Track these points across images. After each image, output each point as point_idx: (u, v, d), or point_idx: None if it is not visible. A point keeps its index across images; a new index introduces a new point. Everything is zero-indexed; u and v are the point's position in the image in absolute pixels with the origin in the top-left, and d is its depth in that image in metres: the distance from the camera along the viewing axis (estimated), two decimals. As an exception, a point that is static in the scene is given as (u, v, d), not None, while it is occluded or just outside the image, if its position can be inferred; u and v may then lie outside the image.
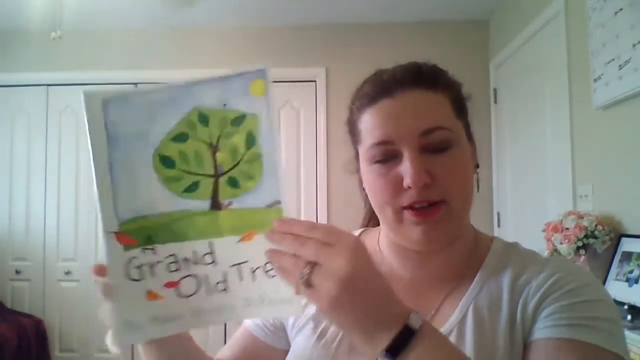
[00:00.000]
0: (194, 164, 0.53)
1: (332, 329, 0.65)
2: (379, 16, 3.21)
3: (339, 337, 0.64)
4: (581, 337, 0.53)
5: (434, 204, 0.59)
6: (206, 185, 0.53)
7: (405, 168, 0.59)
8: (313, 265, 0.47)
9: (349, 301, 0.46)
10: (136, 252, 0.52)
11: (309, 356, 0.65)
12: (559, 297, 0.56)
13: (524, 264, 0.62)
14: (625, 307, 1.54)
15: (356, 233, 0.78)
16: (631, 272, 1.65)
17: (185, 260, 0.54)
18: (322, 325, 0.66)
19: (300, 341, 0.68)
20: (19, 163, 3.36)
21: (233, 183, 0.53)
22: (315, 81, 3.31)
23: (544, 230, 1.98)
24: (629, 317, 1.52)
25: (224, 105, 0.53)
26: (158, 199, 0.53)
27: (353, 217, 0.89)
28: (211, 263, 0.54)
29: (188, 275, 0.54)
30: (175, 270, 0.54)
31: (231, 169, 0.53)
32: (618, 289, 1.66)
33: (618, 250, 1.75)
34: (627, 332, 1.38)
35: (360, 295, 0.46)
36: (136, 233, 0.53)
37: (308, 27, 3.32)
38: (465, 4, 3.05)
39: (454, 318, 0.61)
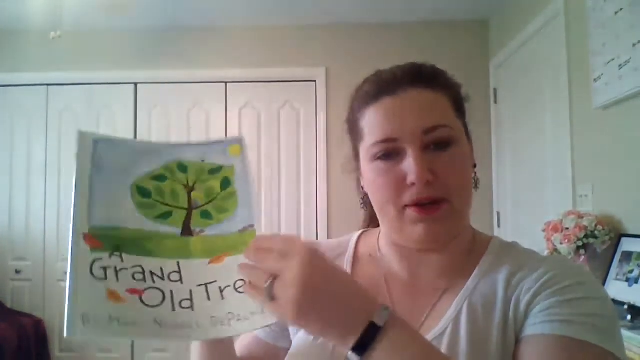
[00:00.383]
0: (169, 198, 0.60)
1: None
2: (379, 16, 3.21)
3: None
4: (573, 334, 0.53)
5: (436, 201, 0.60)
6: (179, 215, 0.59)
7: (409, 165, 0.60)
8: (274, 277, 0.48)
9: (312, 307, 0.47)
10: (102, 255, 0.54)
11: (308, 353, 0.66)
12: (552, 294, 0.57)
13: (521, 262, 0.63)
14: (625, 307, 1.54)
15: (356, 234, 0.78)
16: (631, 272, 1.65)
17: (152, 273, 0.55)
18: None
19: (301, 337, 0.68)
20: (19, 163, 3.36)
21: (206, 215, 0.60)
22: (315, 81, 3.31)
23: (544, 230, 1.98)
24: (629, 317, 1.52)
25: (202, 160, 0.62)
26: (130, 218, 0.57)
27: (353, 217, 0.89)
28: (178, 281, 0.56)
29: (153, 288, 0.54)
30: (141, 280, 0.55)
31: (205, 204, 0.60)
32: (618, 289, 1.66)
33: (618, 250, 1.75)
34: (627, 332, 1.38)
35: (321, 299, 0.47)
36: (105, 239, 0.55)
37: (308, 27, 3.32)
38: (465, 4, 3.05)
39: (449, 315, 0.62)
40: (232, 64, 3.30)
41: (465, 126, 0.67)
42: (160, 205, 0.59)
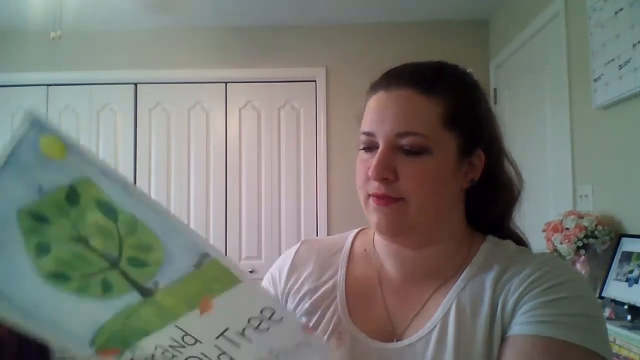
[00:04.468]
0: (82, 265, 0.42)
1: (323, 324, 0.67)
2: (379, 16, 3.21)
3: (329, 332, 0.66)
4: (555, 334, 0.54)
5: (392, 198, 0.62)
6: (115, 278, 0.43)
7: (373, 160, 0.63)
8: None
9: None
10: (127, 355, 0.47)
11: None
12: (537, 294, 0.57)
13: (510, 261, 0.63)
14: (625, 307, 1.54)
15: (354, 232, 0.79)
16: (631, 272, 1.65)
17: (172, 347, 0.47)
18: (314, 321, 0.68)
19: None
20: (19, 163, 3.36)
21: (136, 263, 0.43)
22: (315, 81, 3.30)
23: (544, 230, 1.98)
24: (629, 317, 1.52)
25: (40, 189, 0.39)
26: (91, 311, 0.44)
27: (353, 217, 0.90)
28: (196, 342, 0.47)
29: (190, 357, 0.48)
30: (174, 357, 0.48)
31: (120, 251, 0.42)
32: (618, 289, 1.66)
33: (618, 250, 1.75)
34: (627, 332, 1.38)
35: None
36: (111, 342, 0.46)
37: (308, 27, 3.32)
38: (465, 4, 3.05)
39: (438, 314, 0.62)
40: (232, 64, 3.30)
41: (464, 138, 0.65)
42: (89, 280, 0.43)
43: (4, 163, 0.37)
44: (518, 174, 0.75)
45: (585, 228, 1.78)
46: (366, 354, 0.63)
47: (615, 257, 1.75)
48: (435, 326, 0.61)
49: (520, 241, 0.73)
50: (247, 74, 3.29)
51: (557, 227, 1.88)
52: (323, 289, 0.71)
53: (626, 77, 1.71)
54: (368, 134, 0.65)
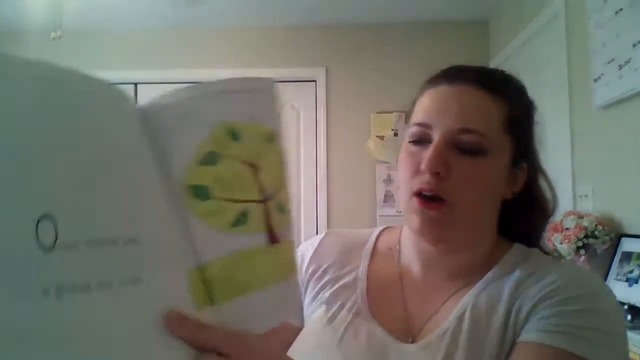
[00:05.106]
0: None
1: (342, 314, 0.67)
2: (379, 16, 3.20)
3: (346, 322, 0.66)
4: (566, 346, 0.52)
5: (438, 200, 0.60)
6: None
7: (427, 152, 0.60)
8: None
9: None
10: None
11: (318, 336, 0.67)
12: (555, 303, 0.56)
13: (535, 268, 0.62)
14: (625, 307, 1.54)
15: (379, 229, 0.79)
16: (631, 272, 1.65)
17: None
18: (333, 310, 0.68)
19: (313, 320, 0.70)
20: (19, 163, 3.36)
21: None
22: (315, 81, 3.30)
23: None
24: (629, 317, 1.52)
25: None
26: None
27: (353, 218, 0.90)
28: None
29: None
30: None
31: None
32: (618, 289, 1.66)
33: (618, 250, 1.75)
34: (627, 332, 1.38)
35: None
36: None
37: (308, 27, 3.32)
38: (465, 4, 3.05)
39: (454, 315, 0.62)
40: (233, 64, 3.30)
41: (517, 148, 0.64)
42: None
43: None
44: (553, 193, 0.73)
45: (585, 228, 1.78)
46: (381, 349, 0.63)
47: (615, 257, 1.75)
48: (450, 326, 0.61)
49: None
50: (247, 74, 3.26)
51: (557, 227, 1.88)
52: (344, 280, 0.71)
53: (626, 77, 1.71)
54: (423, 125, 0.62)
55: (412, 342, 0.63)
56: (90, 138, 0.36)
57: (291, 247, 0.44)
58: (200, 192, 0.40)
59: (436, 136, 0.61)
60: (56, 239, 0.33)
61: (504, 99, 0.62)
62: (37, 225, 0.32)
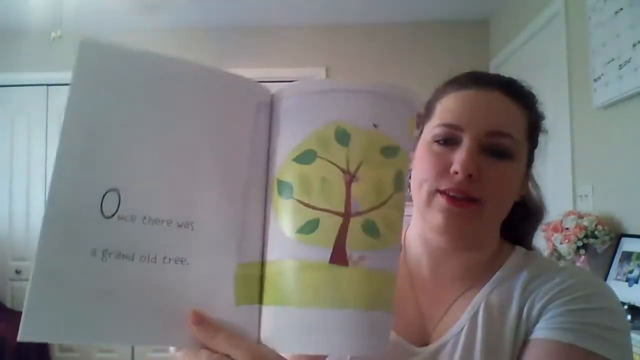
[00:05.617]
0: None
1: None
2: (379, 16, 3.20)
3: None
4: (576, 342, 0.54)
5: (469, 199, 0.60)
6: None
7: (459, 154, 0.59)
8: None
9: None
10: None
11: None
12: (564, 302, 0.57)
13: (540, 269, 0.63)
14: (625, 307, 1.54)
15: None
16: (631, 272, 1.65)
17: None
18: None
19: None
20: (19, 163, 3.36)
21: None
22: (315, 81, 3.30)
23: (544, 230, 1.97)
24: (629, 317, 1.52)
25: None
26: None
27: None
28: None
29: None
30: None
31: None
32: (618, 289, 1.66)
33: (618, 250, 1.75)
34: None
35: None
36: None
37: (308, 27, 3.32)
38: (465, 4, 3.05)
39: (466, 315, 0.62)
40: (233, 63, 3.30)
41: (530, 154, 0.67)
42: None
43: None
44: (541, 199, 0.74)
45: (585, 228, 1.78)
46: (402, 353, 0.63)
47: (615, 257, 1.75)
48: (463, 327, 0.61)
49: None
50: (247, 74, 3.23)
51: (557, 227, 1.88)
52: None
53: (626, 77, 1.71)
54: (452, 126, 0.62)
55: (427, 342, 0.63)
56: (187, 125, 0.39)
57: (368, 278, 0.37)
58: (284, 189, 0.39)
59: (466, 138, 0.60)
60: (117, 210, 0.37)
61: (525, 106, 0.64)
62: (104, 195, 0.37)
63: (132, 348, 3.21)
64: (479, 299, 0.63)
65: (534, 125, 0.66)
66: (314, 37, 3.33)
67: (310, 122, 0.39)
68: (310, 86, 0.41)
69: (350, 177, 0.38)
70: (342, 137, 0.39)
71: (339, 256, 0.37)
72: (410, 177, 0.67)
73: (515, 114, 0.63)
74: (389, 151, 0.39)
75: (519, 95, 0.64)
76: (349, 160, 0.38)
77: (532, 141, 0.66)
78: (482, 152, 0.60)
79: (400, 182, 0.40)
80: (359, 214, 0.38)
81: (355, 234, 0.37)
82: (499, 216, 0.64)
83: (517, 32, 2.73)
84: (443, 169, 0.61)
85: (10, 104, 3.36)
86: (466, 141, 0.60)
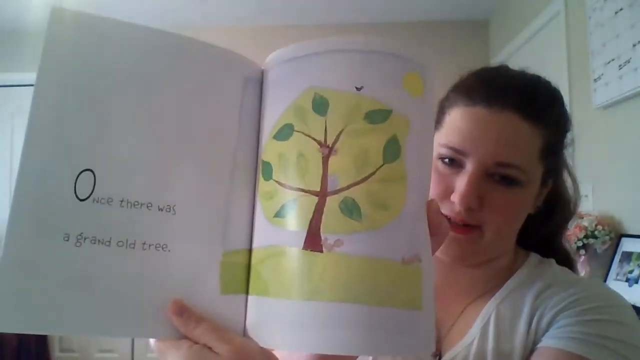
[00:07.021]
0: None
1: None
2: (379, 16, 3.21)
3: None
4: (584, 353, 0.52)
5: (469, 226, 0.59)
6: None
7: (461, 182, 0.57)
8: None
9: None
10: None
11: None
12: (576, 313, 0.56)
13: (554, 279, 0.62)
14: (625, 307, 1.55)
15: None
16: (631, 272, 1.65)
17: None
18: None
19: None
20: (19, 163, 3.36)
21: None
22: (315, 81, 3.30)
23: (544, 230, 1.98)
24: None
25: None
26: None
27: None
28: None
29: None
30: None
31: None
32: (618, 289, 1.65)
33: (618, 250, 1.75)
34: None
35: None
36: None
37: (308, 27, 3.32)
38: (465, 4, 3.05)
39: (477, 324, 0.61)
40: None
41: (550, 168, 0.63)
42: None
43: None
44: (576, 187, 0.70)
45: (585, 228, 1.78)
46: None
47: (615, 257, 1.75)
48: (474, 338, 0.61)
49: (567, 259, 0.70)
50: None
51: (557, 227, 1.88)
52: None
53: (626, 77, 1.71)
54: (457, 151, 0.58)
55: (438, 354, 0.62)
56: (167, 100, 0.36)
57: (347, 266, 0.32)
58: (266, 170, 0.36)
59: (470, 165, 0.58)
60: (92, 192, 0.34)
61: (545, 127, 0.59)
62: (78, 176, 0.34)
63: (132, 348, 3.21)
64: (489, 309, 0.62)
65: (550, 145, 0.61)
66: (314, 37, 3.32)
67: (288, 93, 0.36)
68: (287, 53, 0.38)
69: (327, 150, 0.33)
70: (320, 105, 0.34)
71: (312, 241, 0.32)
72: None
73: (527, 139, 0.58)
74: (377, 115, 0.34)
75: (536, 114, 0.59)
76: (326, 131, 0.34)
77: (550, 157, 0.62)
78: (489, 179, 0.58)
79: (394, 150, 0.33)
80: (336, 191, 0.33)
81: (331, 215, 0.33)
82: (504, 240, 0.63)
83: (517, 32, 2.73)
84: (444, 193, 0.59)
85: (10, 104, 3.36)
86: (469, 168, 0.58)
